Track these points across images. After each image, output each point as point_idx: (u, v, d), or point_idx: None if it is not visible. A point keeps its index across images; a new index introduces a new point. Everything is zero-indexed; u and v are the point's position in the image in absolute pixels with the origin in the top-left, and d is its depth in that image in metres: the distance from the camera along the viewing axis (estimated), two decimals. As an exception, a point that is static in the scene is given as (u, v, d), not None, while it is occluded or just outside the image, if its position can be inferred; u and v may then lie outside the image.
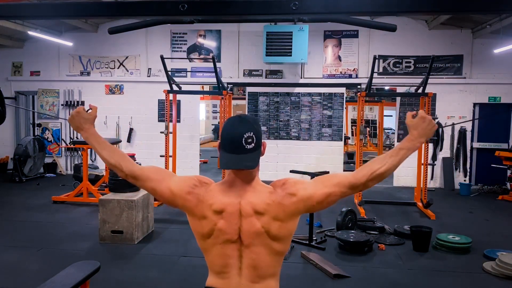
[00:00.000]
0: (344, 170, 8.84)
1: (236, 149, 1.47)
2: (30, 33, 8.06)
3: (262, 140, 1.55)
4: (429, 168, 7.36)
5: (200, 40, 9.06)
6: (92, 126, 1.68)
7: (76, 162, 9.24)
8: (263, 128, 8.88)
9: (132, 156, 6.71)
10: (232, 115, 8.30)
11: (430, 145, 7.07)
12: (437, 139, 7.92)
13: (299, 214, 1.55)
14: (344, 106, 9.07)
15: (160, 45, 9.03)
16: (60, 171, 9.50)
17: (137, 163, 1.73)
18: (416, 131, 1.52)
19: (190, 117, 9.17)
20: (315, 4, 1.36)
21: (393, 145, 10.66)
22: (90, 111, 1.69)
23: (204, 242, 1.56)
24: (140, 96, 9.18)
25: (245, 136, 1.46)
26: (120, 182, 5.05)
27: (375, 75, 6.94)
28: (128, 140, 9.25)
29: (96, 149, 1.66)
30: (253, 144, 1.48)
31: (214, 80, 7.34)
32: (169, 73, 7.05)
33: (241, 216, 1.49)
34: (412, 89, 7.67)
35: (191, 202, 1.53)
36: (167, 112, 7.02)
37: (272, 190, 1.51)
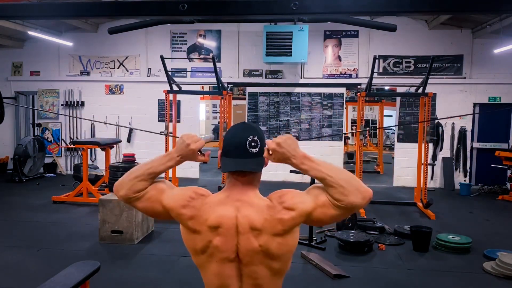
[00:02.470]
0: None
1: (240, 153, 1.42)
2: (30, 33, 8.06)
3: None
4: (429, 168, 7.37)
5: (200, 40, 9.06)
6: (182, 162, 1.51)
7: (76, 162, 9.23)
8: (263, 128, 8.88)
9: (132, 156, 6.72)
10: (232, 115, 8.31)
11: (430, 145, 7.07)
12: (437, 139, 7.92)
13: (299, 226, 1.45)
14: (344, 106, 9.08)
15: (160, 45, 9.03)
16: (60, 171, 9.49)
17: (136, 163, 1.70)
18: (287, 160, 1.42)
19: (190, 117, 9.17)
20: (315, 4, 1.36)
21: (393, 145, 10.65)
22: (201, 157, 1.51)
23: (197, 257, 1.47)
24: (140, 96, 9.18)
25: (249, 139, 1.42)
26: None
27: (375, 75, 6.94)
28: (128, 140, 9.25)
29: (153, 165, 1.49)
30: (257, 149, 1.43)
31: (214, 80, 7.34)
32: (169, 73, 7.05)
33: (238, 232, 1.39)
34: (412, 89, 7.67)
35: (185, 216, 1.44)
36: (167, 112, 7.02)
37: (270, 204, 1.42)
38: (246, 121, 1.46)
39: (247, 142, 1.42)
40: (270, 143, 1.44)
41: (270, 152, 1.44)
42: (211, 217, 1.41)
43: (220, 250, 1.40)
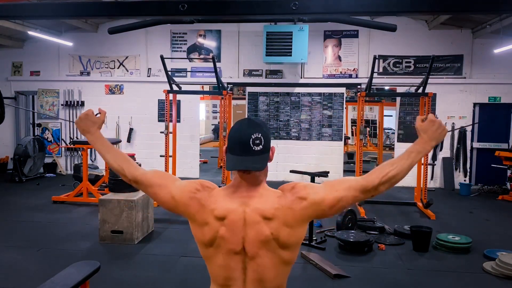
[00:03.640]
0: (344, 170, 8.84)
1: (243, 150, 1.42)
2: (30, 33, 8.06)
3: (271, 145, 1.49)
4: (429, 168, 7.37)
5: (200, 40, 9.06)
6: (98, 130, 1.68)
7: (76, 162, 9.24)
8: (263, 128, 8.87)
9: (132, 156, 6.72)
10: (232, 115, 8.31)
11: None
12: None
13: (309, 220, 1.48)
14: (344, 106, 9.07)
15: (160, 45, 9.03)
16: (60, 171, 9.50)
17: (137, 163, 1.71)
18: (426, 135, 1.49)
19: (190, 117, 9.17)
20: (315, 4, 1.36)
21: (393, 145, 10.66)
22: (98, 115, 1.69)
23: (206, 250, 1.50)
24: (140, 96, 9.18)
25: (253, 137, 1.42)
26: (120, 182, 5.04)
27: (375, 75, 6.94)
28: (128, 140, 9.25)
29: (101, 152, 1.67)
30: (261, 146, 1.43)
31: (214, 80, 7.34)
32: (169, 73, 7.05)
33: (246, 225, 1.42)
34: (412, 89, 7.66)
35: (193, 208, 1.47)
36: (167, 112, 7.02)
37: (280, 194, 1.46)
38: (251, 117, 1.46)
39: (251, 140, 1.42)
40: (433, 117, 1.52)
41: (424, 120, 1.52)
42: (218, 208, 1.44)
43: (227, 241, 1.43)
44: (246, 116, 8.89)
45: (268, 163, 1.49)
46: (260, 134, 1.44)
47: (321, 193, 1.45)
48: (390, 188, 1.48)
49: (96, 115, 1.69)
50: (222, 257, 1.45)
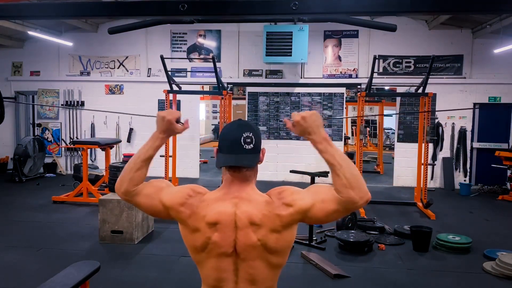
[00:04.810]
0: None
1: (235, 148, 1.43)
2: (30, 33, 8.06)
3: (262, 147, 1.49)
4: (429, 168, 7.36)
5: (200, 40, 9.06)
6: (167, 138, 1.57)
7: (76, 162, 9.23)
8: (263, 128, 8.89)
9: (132, 156, 6.74)
10: (232, 115, 8.32)
11: (430, 145, 7.07)
12: (437, 139, 7.92)
13: (297, 223, 1.47)
14: (344, 106, 9.07)
15: (160, 45, 9.03)
16: (60, 171, 9.49)
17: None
18: (308, 134, 1.44)
19: (190, 117, 9.08)
20: (315, 4, 1.36)
21: (393, 145, 10.67)
22: (181, 125, 1.56)
23: (197, 255, 1.49)
24: (140, 96, 9.18)
25: (244, 135, 1.43)
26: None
27: (375, 75, 6.94)
28: (128, 140, 9.25)
29: (142, 151, 1.57)
30: (252, 145, 1.44)
31: (214, 80, 7.34)
32: (169, 73, 7.05)
33: (237, 227, 1.42)
34: (412, 89, 7.67)
35: (184, 214, 1.46)
36: (167, 112, 7.01)
37: (269, 200, 1.45)
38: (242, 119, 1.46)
39: (242, 138, 1.43)
40: (295, 115, 1.45)
41: (294, 124, 1.46)
42: (209, 214, 1.43)
43: (218, 245, 1.43)
44: (246, 116, 8.94)
45: (259, 165, 1.49)
46: (251, 134, 1.45)
47: (308, 200, 1.43)
48: (355, 187, 1.38)
49: (178, 121, 1.55)
50: (213, 260, 1.45)
